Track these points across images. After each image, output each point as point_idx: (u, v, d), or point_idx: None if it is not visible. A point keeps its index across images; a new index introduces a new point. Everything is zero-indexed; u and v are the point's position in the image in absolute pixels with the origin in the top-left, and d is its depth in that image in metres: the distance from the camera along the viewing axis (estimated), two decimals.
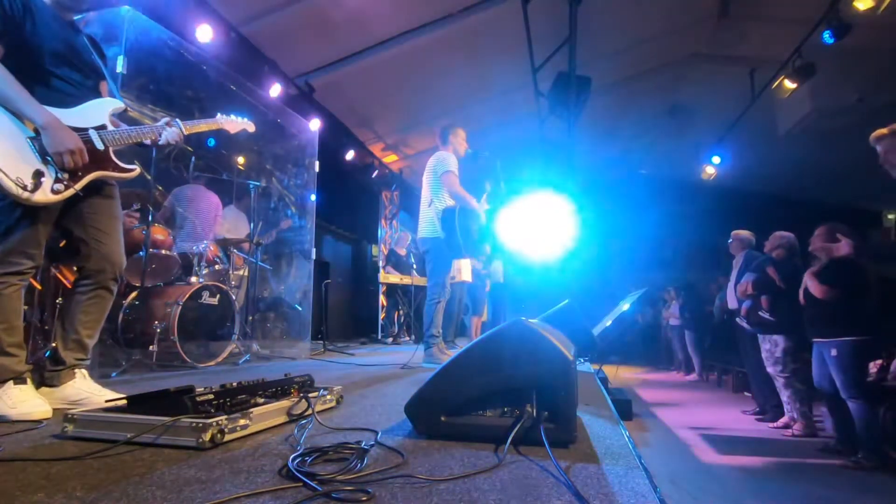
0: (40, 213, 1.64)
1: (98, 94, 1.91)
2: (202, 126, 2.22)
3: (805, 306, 3.61)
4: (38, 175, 1.57)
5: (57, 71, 1.75)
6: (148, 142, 1.96)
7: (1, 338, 1.60)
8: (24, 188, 1.53)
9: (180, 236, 4.03)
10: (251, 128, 2.47)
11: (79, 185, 1.69)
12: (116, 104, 1.91)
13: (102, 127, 1.81)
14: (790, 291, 3.84)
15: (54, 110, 1.66)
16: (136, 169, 1.91)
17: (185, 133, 2.07)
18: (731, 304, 4.86)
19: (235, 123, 2.39)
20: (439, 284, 3.59)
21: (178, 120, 2.06)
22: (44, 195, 1.59)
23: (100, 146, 1.78)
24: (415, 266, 7.55)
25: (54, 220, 1.73)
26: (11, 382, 1.59)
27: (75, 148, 1.65)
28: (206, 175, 4.55)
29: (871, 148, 2.82)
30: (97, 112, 1.83)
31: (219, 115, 2.35)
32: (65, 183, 1.65)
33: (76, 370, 1.81)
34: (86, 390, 1.80)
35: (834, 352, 3.31)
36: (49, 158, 1.62)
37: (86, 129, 1.75)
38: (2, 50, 1.62)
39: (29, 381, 1.65)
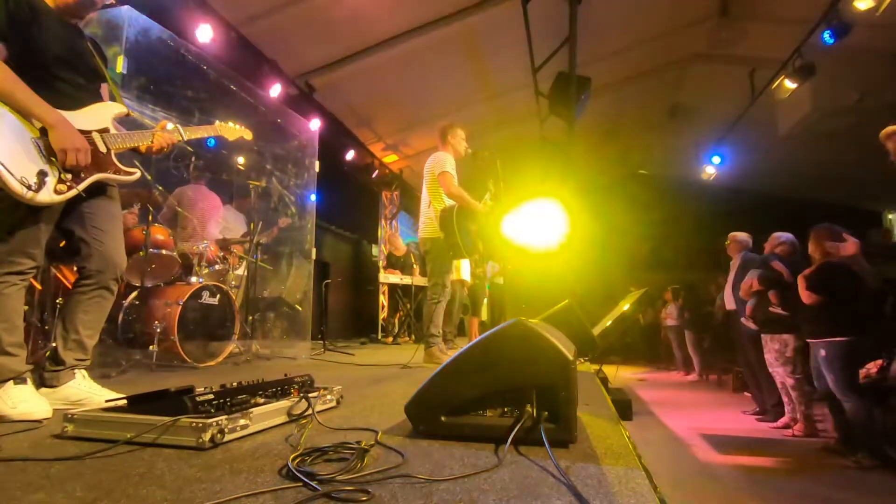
0: (42, 213, 1.65)
1: (99, 97, 1.93)
2: (201, 132, 2.26)
3: (799, 307, 3.62)
4: (41, 175, 1.58)
5: (60, 74, 1.76)
6: (149, 145, 1.97)
7: (1, 337, 1.60)
8: (29, 188, 1.54)
9: (182, 236, 4.04)
10: (249, 136, 2.51)
11: (81, 186, 1.70)
12: (119, 108, 1.93)
13: (105, 130, 1.83)
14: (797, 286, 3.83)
15: (60, 112, 1.68)
16: (137, 172, 1.93)
17: (185, 138, 2.10)
18: (729, 305, 4.86)
19: (233, 130, 2.43)
20: (440, 284, 3.59)
21: (178, 125, 2.08)
22: (47, 195, 1.60)
23: (102, 149, 1.80)
24: (415, 266, 7.56)
25: (55, 220, 1.73)
26: (11, 382, 1.59)
27: (80, 147, 1.67)
28: (207, 175, 4.55)
29: (872, 148, 2.82)
30: (101, 115, 1.85)
31: (217, 122, 2.37)
32: (67, 184, 1.66)
33: (76, 370, 1.81)
34: (86, 390, 1.80)
35: (822, 352, 3.33)
36: (53, 159, 1.63)
37: (89, 132, 1.77)
38: (5, 51, 1.63)
39: (29, 380, 1.66)
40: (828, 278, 3.36)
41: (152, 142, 1.98)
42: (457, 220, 3.47)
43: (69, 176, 1.66)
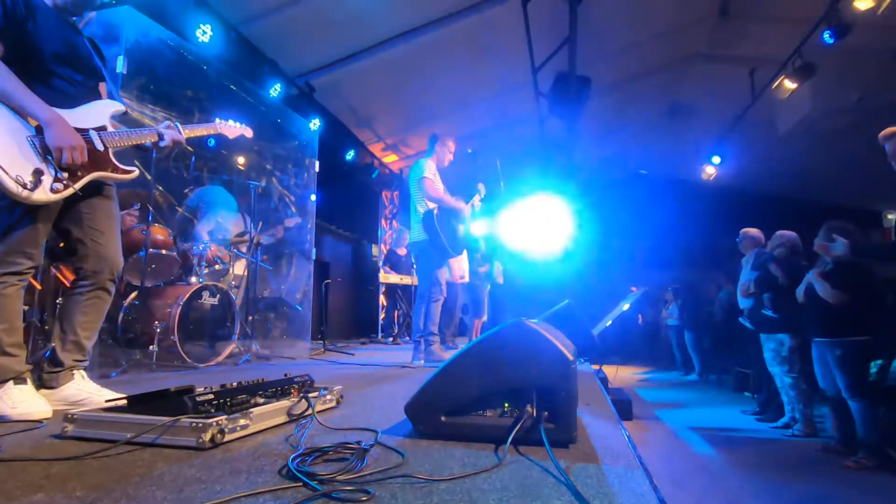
0: (40, 212, 1.64)
1: (97, 95, 1.92)
2: (201, 130, 2.25)
3: (806, 306, 3.59)
4: (37, 174, 1.57)
5: (58, 71, 1.75)
6: (149, 144, 1.96)
7: (1, 338, 1.60)
8: (24, 187, 1.53)
9: (198, 237, 4.07)
10: (249, 133, 2.50)
11: (78, 185, 1.69)
12: (117, 106, 1.92)
13: (103, 128, 1.82)
14: (793, 289, 3.82)
15: (57, 110, 1.66)
16: (135, 171, 1.91)
17: (185, 136, 2.09)
18: (743, 303, 4.82)
19: (233, 129, 2.42)
20: (434, 283, 3.63)
21: (177, 123, 2.07)
22: (43, 194, 1.59)
23: (99, 147, 1.78)
24: (414, 266, 7.56)
25: (53, 219, 1.73)
26: (11, 382, 1.59)
27: (77, 145, 1.65)
28: (218, 176, 4.58)
29: (872, 148, 2.82)
30: (98, 113, 1.83)
31: (217, 120, 2.37)
32: (64, 182, 1.64)
33: (74, 371, 1.81)
34: (85, 390, 1.79)
35: (839, 352, 3.30)
36: (49, 157, 1.62)
37: (86, 130, 1.75)
38: (2, 48, 1.62)
39: (29, 380, 1.65)
40: (853, 277, 3.31)
41: (153, 139, 1.96)
42: (438, 222, 3.54)
43: (66, 174, 1.65)
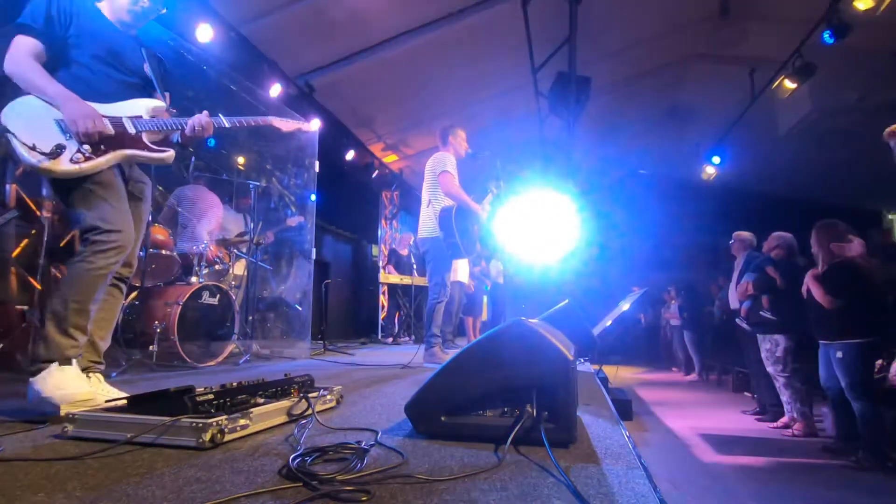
0: (100, 190, 1.67)
1: (138, 96, 1.92)
2: (251, 122, 2.14)
3: (809, 307, 3.58)
4: (58, 147, 1.61)
5: (95, 69, 1.79)
6: (176, 138, 1.94)
7: (69, 315, 1.59)
8: (38, 152, 1.57)
9: (182, 237, 4.03)
10: (307, 128, 2.40)
11: (102, 159, 1.69)
12: (157, 102, 1.93)
13: (138, 117, 1.84)
14: (790, 290, 3.83)
15: (91, 103, 1.71)
16: (171, 151, 1.88)
17: (227, 126, 2.05)
18: (733, 304, 4.86)
19: (289, 123, 2.28)
20: (440, 284, 3.60)
21: (220, 115, 2.03)
22: (61, 164, 1.61)
23: (131, 130, 1.79)
24: (415, 266, 7.56)
25: (123, 200, 1.75)
26: (57, 364, 1.58)
27: (90, 114, 1.67)
28: (207, 175, 4.55)
29: (871, 148, 2.82)
30: (135, 106, 1.85)
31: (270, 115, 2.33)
32: (86, 155, 1.65)
33: (91, 374, 1.75)
34: (103, 395, 1.73)
35: (839, 354, 3.29)
36: (74, 136, 1.65)
37: (119, 118, 1.78)
38: (43, 51, 1.69)
39: (75, 362, 1.64)
40: (845, 279, 3.30)
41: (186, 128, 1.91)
42: (455, 220, 3.47)
43: (88, 148, 1.67)
